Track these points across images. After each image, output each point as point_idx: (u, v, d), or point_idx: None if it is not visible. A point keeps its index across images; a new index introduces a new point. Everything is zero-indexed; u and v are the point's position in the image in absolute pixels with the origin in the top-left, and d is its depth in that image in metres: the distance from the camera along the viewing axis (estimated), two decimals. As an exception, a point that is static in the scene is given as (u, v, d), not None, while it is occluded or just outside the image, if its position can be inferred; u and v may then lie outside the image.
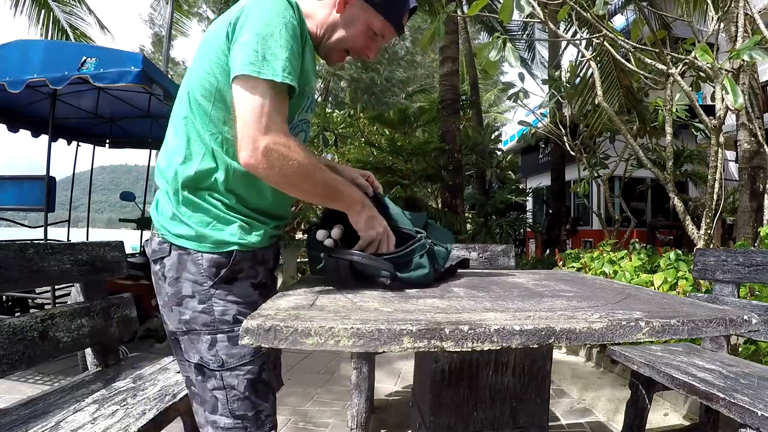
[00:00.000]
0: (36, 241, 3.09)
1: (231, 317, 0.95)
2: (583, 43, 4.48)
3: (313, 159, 0.93)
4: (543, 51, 13.23)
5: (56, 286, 3.34)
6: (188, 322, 0.96)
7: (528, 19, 3.15)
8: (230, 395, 0.94)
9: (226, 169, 0.95)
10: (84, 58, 3.04)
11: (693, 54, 2.76)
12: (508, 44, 2.85)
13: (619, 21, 8.64)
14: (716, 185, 3.21)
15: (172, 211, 0.97)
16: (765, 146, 3.65)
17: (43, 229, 3.52)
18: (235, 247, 0.96)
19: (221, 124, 0.95)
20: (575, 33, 5.51)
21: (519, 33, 11.60)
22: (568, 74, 5.83)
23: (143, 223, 4.92)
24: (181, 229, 0.96)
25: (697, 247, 3.09)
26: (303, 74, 0.96)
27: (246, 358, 0.95)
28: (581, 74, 5.73)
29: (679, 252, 3.46)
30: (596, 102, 4.07)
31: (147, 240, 1.05)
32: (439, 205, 8.42)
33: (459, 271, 1.36)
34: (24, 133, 4.59)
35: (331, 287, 1.02)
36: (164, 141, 1.02)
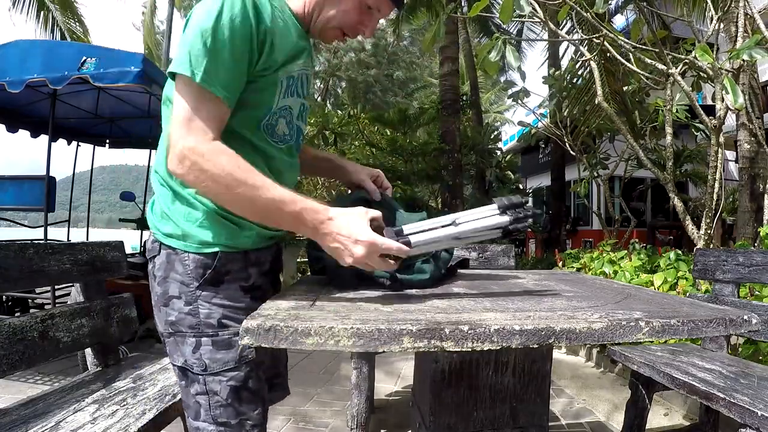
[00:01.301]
0: (36, 241, 3.09)
1: (216, 321, 0.92)
2: (577, 42, 4.48)
3: (241, 172, 0.80)
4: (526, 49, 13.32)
5: (56, 286, 3.34)
6: (174, 324, 0.93)
7: (527, 20, 3.15)
8: (212, 401, 0.91)
9: None
10: (84, 58, 3.04)
11: (693, 54, 2.76)
12: (509, 45, 2.85)
13: (619, 21, 8.64)
14: (716, 185, 3.20)
15: (162, 209, 0.95)
16: (765, 146, 3.65)
17: (43, 229, 3.53)
18: (218, 248, 0.92)
19: None
20: (568, 32, 5.51)
21: (513, 34, 11.59)
22: (568, 74, 5.82)
23: (143, 223, 4.91)
24: (168, 228, 0.94)
25: (697, 247, 3.09)
26: (273, 55, 0.90)
27: (230, 364, 0.92)
28: (580, 74, 5.73)
29: (679, 252, 3.46)
30: (596, 102, 4.07)
31: (147, 239, 1.05)
32: (439, 205, 8.41)
33: (459, 271, 1.36)
34: (24, 133, 4.59)
35: (331, 287, 1.02)
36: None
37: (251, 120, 0.93)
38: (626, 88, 4.77)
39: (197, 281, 0.92)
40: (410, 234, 0.88)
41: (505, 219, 0.89)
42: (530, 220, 0.88)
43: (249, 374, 0.94)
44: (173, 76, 0.85)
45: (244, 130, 0.92)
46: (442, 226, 0.90)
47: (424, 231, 0.89)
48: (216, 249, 0.92)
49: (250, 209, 0.84)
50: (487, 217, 0.91)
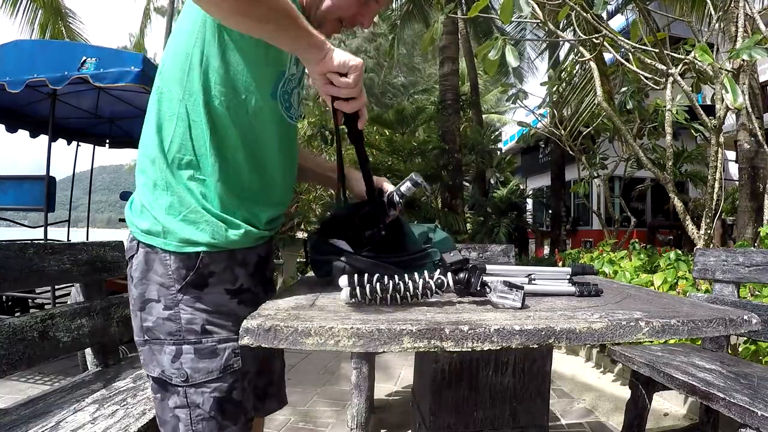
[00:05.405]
0: (36, 241, 3.09)
1: (199, 327, 0.85)
2: (576, 41, 4.48)
3: None
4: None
5: (56, 286, 3.34)
6: (150, 330, 0.86)
7: (527, 20, 3.15)
8: (194, 414, 0.85)
9: (207, 142, 0.85)
10: (84, 58, 3.04)
11: (692, 54, 2.76)
12: (508, 45, 2.86)
13: (619, 21, 8.63)
14: (716, 185, 3.20)
15: (141, 201, 0.87)
16: (765, 146, 3.65)
17: (43, 229, 3.53)
18: (202, 248, 0.85)
19: (199, 92, 0.84)
20: (564, 32, 5.50)
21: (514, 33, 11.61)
22: (565, 74, 5.82)
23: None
24: (146, 223, 0.86)
25: (697, 247, 3.09)
26: None
27: (214, 373, 0.85)
28: (576, 73, 5.74)
29: (679, 252, 3.46)
30: (595, 101, 4.07)
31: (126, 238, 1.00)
32: (439, 205, 8.42)
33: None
34: (25, 133, 4.59)
35: (331, 287, 1.02)
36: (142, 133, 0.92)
37: (267, 80, 0.88)
38: (623, 89, 4.76)
39: (179, 284, 0.85)
40: (489, 276, 0.94)
41: (573, 289, 0.98)
42: (594, 293, 0.97)
43: (233, 385, 0.88)
44: None
45: (261, 92, 0.87)
46: (516, 278, 1.00)
47: (500, 276, 0.96)
48: (199, 249, 0.85)
49: (269, 6, 0.74)
50: (558, 279, 1.03)
